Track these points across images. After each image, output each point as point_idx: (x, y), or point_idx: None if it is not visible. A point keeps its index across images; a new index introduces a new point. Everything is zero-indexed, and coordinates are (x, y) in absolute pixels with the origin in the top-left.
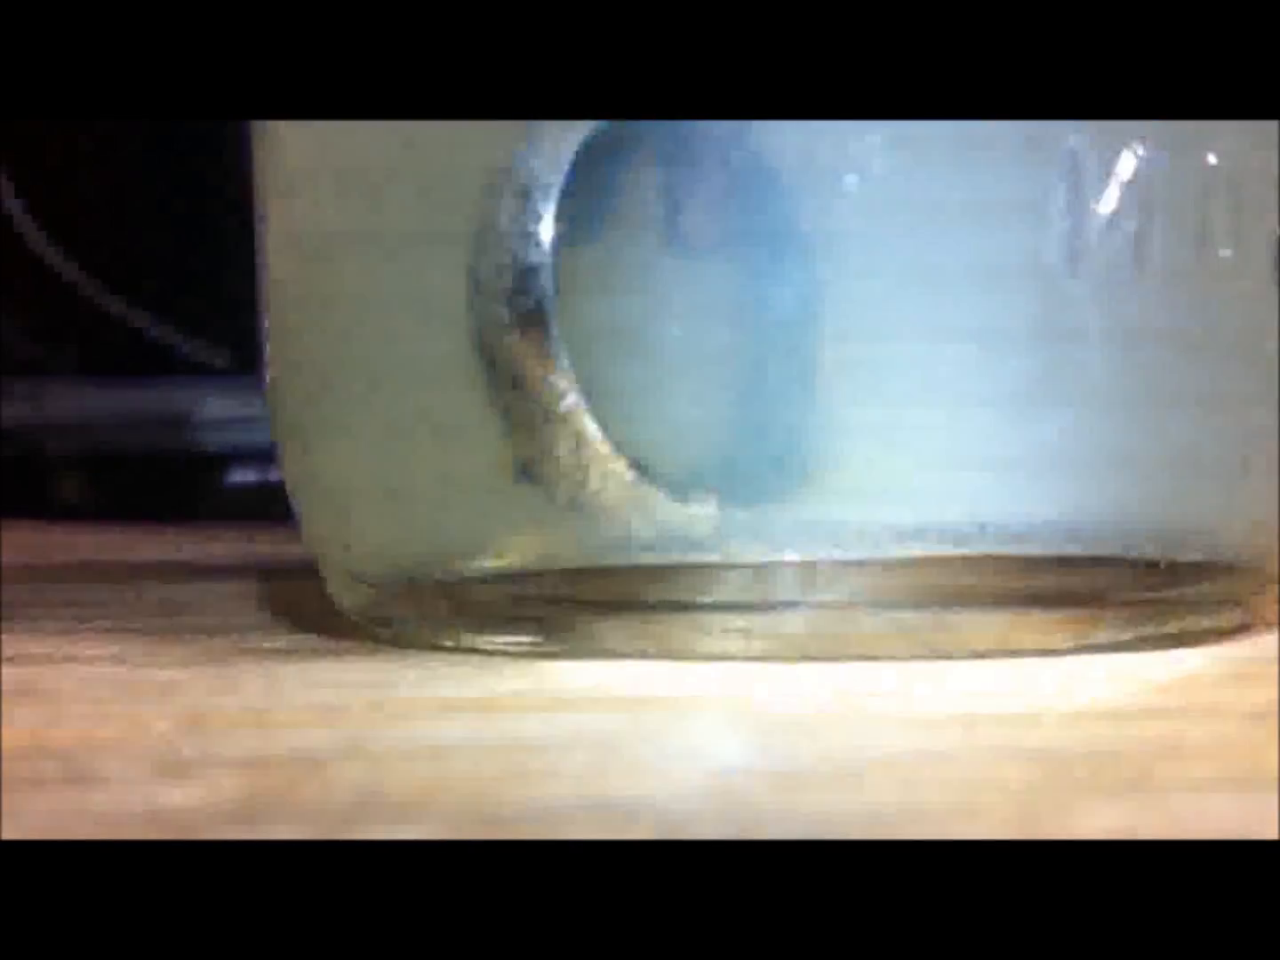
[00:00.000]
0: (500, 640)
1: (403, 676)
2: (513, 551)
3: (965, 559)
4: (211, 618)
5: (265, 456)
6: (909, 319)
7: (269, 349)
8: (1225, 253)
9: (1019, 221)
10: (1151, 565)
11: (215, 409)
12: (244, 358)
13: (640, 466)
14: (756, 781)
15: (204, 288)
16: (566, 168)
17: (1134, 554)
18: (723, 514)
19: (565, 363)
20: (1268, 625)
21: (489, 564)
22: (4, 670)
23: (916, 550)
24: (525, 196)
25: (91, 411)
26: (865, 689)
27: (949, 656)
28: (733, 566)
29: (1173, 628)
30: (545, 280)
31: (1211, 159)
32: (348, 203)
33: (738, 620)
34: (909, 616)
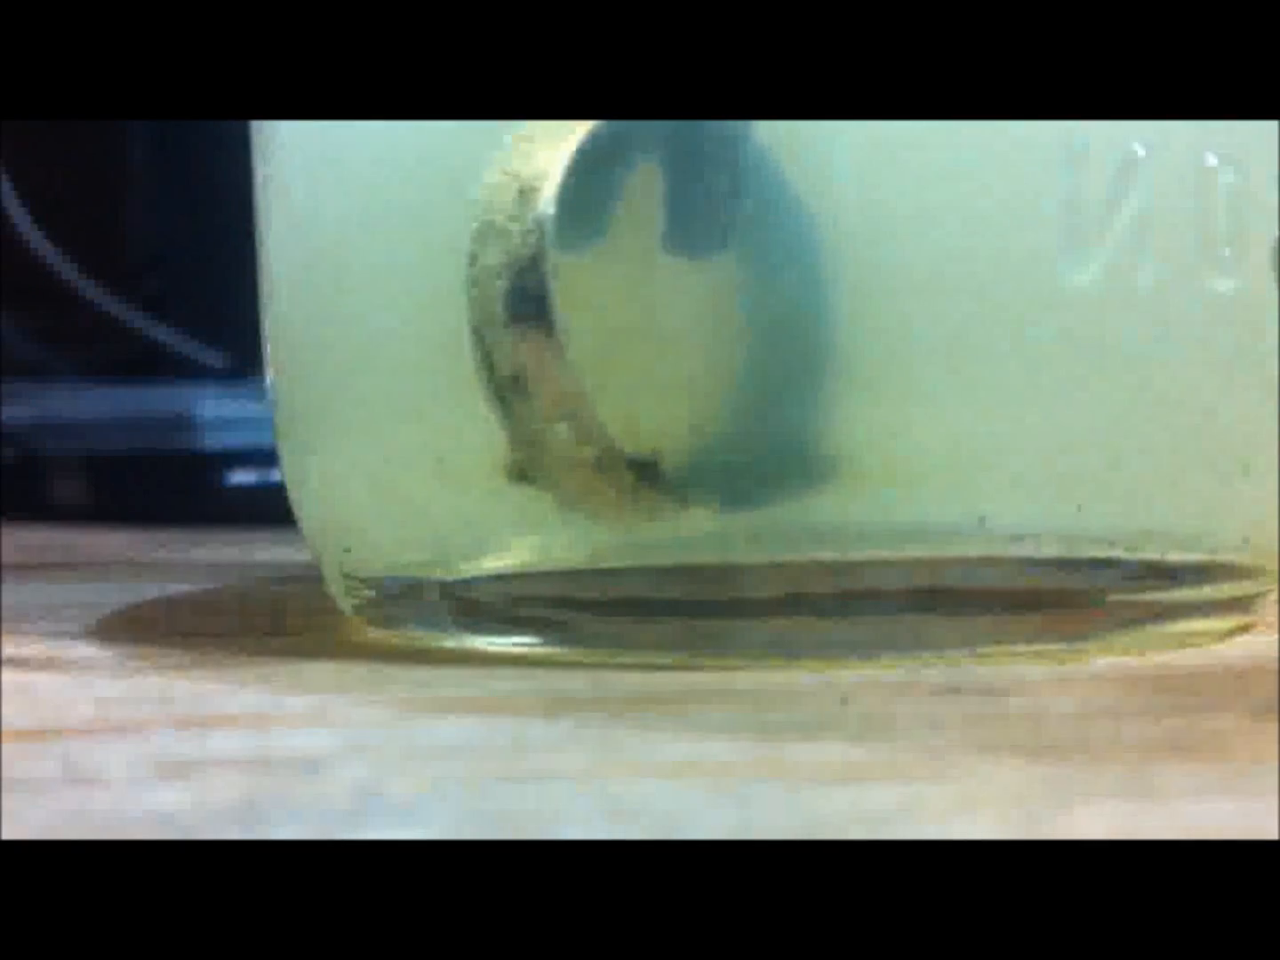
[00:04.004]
0: (500, 640)
1: (403, 676)
2: (513, 551)
3: (965, 559)
4: (211, 618)
5: (265, 457)
6: (909, 321)
7: (269, 350)
8: (1225, 253)
9: (1020, 222)
10: (1151, 565)
11: (215, 410)
12: (243, 358)
13: (640, 467)
14: (756, 781)
15: (204, 289)
16: (566, 168)
17: (1134, 554)
18: (722, 515)
19: (565, 362)
20: (1268, 625)
21: (489, 564)
22: (4, 670)
23: (916, 550)
24: (525, 196)
25: (91, 412)
26: (864, 689)
27: (949, 656)
28: (732, 567)
29: (1173, 628)
30: (545, 279)
31: (1211, 159)
32: (347, 204)
33: (737, 620)
34: (908, 617)
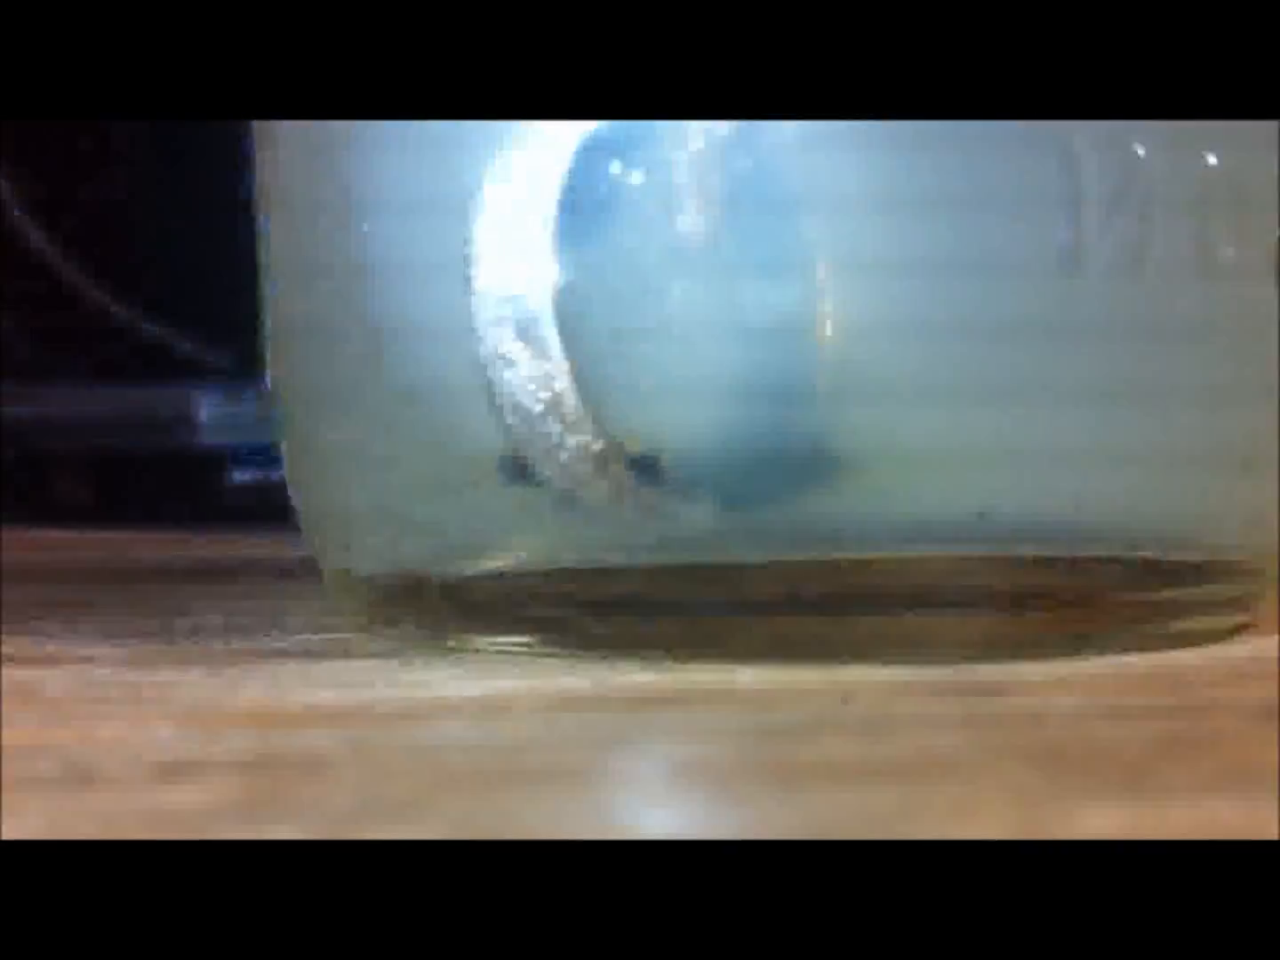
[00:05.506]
0: (500, 640)
1: (403, 676)
2: (513, 551)
3: (965, 559)
4: (211, 618)
5: (265, 456)
6: (908, 319)
7: (270, 349)
8: (1225, 253)
9: (1020, 220)
10: (1151, 565)
11: (215, 409)
12: (244, 358)
13: (640, 466)
14: (756, 782)
15: (204, 288)
16: (566, 168)
17: (1134, 554)
18: (721, 514)
19: (565, 362)
20: (1268, 625)
21: (489, 564)
22: (4, 670)
23: (916, 550)
24: (524, 197)
25: (92, 412)
26: (864, 689)
27: (948, 656)
28: (732, 567)
29: (1173, 628)
30: (545, 281)
31: (1211, 159)
32: (347, 204)
33: (737, 620)
34: (908, 616)
